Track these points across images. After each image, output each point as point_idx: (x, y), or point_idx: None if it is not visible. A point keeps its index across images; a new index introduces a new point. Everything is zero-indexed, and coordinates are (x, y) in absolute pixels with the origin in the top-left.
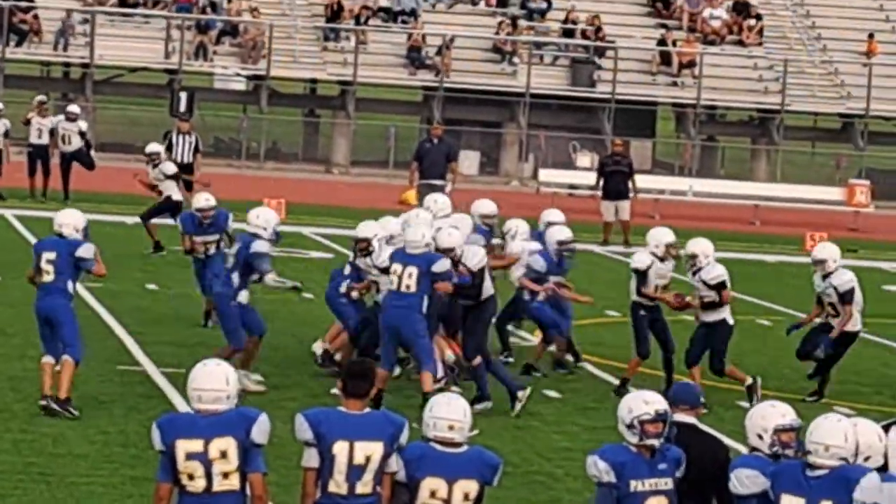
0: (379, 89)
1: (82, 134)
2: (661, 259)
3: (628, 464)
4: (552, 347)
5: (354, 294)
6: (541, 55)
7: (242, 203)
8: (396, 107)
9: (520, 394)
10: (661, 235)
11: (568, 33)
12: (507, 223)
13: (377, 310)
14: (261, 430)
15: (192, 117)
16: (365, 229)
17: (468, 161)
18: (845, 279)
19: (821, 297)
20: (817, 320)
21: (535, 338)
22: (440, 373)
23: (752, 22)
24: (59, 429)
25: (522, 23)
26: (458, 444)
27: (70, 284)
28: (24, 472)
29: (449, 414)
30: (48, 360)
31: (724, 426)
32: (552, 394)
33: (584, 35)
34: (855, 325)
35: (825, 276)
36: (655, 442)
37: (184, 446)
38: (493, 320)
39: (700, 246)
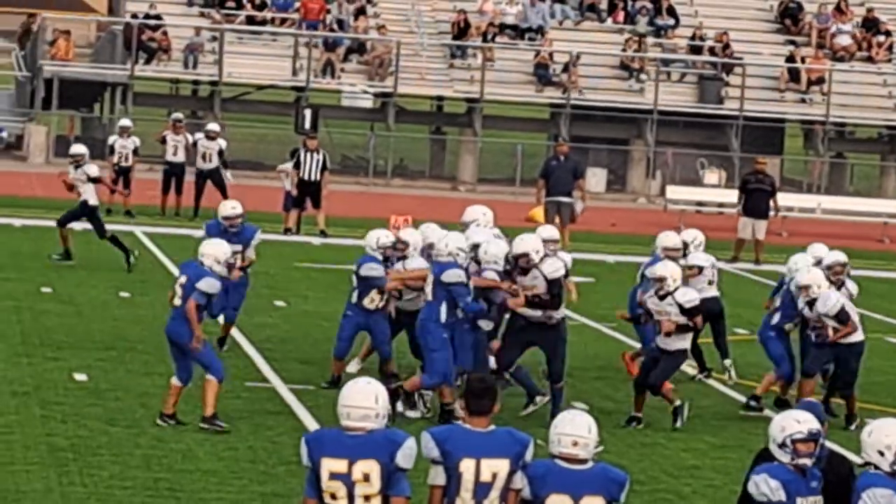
0: (506, 106)
1: (221, 153)
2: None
3: (793, 482)
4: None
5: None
6: (668, 72)
7: (371, 221)
8: (523, 124)
9: (538, 398)
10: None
11: (695, 50)
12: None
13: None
14: (406, 455)
15: (316, 134)
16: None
17: (595, 178)
18: (830, 304)
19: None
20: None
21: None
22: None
23: (882, 38)
24: (188, 445)
25: (650, 39)
26: (584, 461)
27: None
28: (153, 488)
29: (573, 430)
30: (176, 382)
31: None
32: None
33: (711, 51)
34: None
35: (811, 303)
36: (808, 461)
37: (328, 465)
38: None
39: (668, 269)
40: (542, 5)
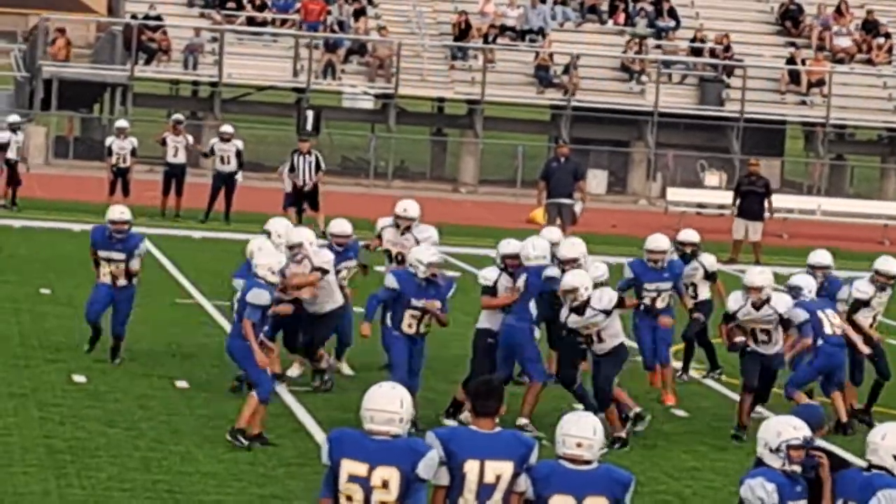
0: (506, 108)
1: (239, 154)
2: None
3: (786, 486)
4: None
5: None
6: (669, 74)
7: (371, 223)
8: (524, 125)
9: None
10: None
11: (696, 52)
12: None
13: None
14: (428, 466)
15: (318, 136)
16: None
17: (596, 180)
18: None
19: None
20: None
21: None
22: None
23: (882, 41)
24: (187, 447)
25: (650, 41)
26: (588, 462)
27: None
28: (152, 490)
29: (578, 431)
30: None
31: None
32: (680, 413)
33: (712, 53)
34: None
35: (760, 305)
36: (797, 468)
37: (348, 467)
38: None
39: (579, 279)
40: (543, 7)
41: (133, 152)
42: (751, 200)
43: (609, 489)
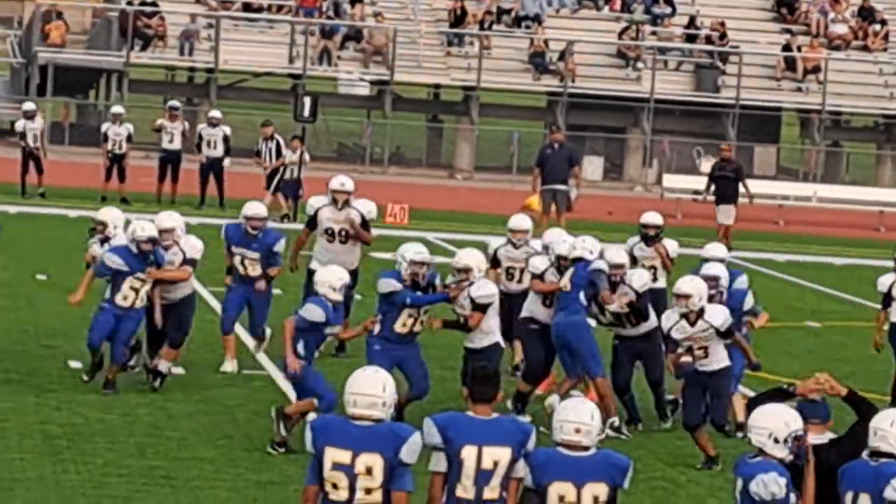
0: (502, 94)
1: (226, 139)
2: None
3: (789, 478)
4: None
5: None
6: (665, 60)
7: None
8: (520, 112)
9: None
10: None
11: (692, 38)
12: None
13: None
14: (410, 450)
15: (315, 122)
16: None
17: (592, 167)
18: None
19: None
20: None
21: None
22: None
23: (878, 27)
24: (183, 433)
25: (646, 28)
26: (586, 448)
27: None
28: (148, 476)
29: (576, 417)
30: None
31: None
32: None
33: (708, 40)
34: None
35: (693, 320)
36: (795, 459)
37: (332, 455)
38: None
39: (474, 258)
40: None
41: (129, 138)
42: (723, 185)
43: (608, 475)
